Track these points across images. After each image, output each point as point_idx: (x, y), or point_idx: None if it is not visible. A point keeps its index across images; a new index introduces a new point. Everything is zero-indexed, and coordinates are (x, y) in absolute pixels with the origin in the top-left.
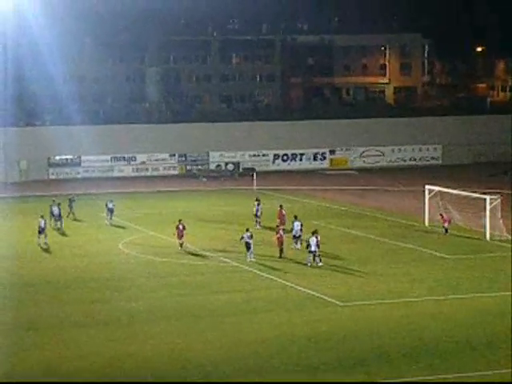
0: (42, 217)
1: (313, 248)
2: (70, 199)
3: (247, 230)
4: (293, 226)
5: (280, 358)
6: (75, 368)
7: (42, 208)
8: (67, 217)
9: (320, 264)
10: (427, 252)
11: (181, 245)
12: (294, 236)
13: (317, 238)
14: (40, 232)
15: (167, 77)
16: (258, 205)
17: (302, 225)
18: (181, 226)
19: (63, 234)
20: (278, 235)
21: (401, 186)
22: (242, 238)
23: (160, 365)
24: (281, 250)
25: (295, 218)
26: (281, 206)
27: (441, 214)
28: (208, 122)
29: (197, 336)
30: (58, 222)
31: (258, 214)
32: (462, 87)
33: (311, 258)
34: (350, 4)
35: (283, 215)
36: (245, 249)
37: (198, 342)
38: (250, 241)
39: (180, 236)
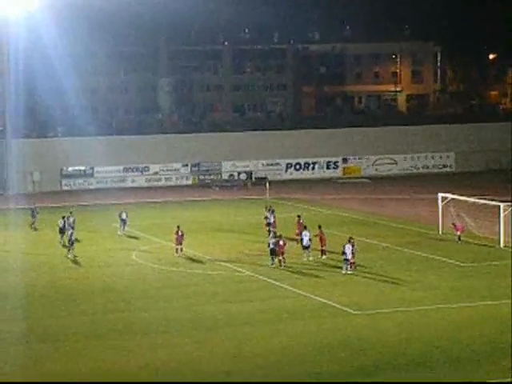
0: (72, 228)
1: (348, 256)
2: (32, 209)
3: (275, 237)
4: (301, 236)
5: (294, 366)
6: (89, 378)
7: (55, 219)
8: (30, 226)
9: (348, 272)
10: (441, 260)
11: (177, 250)
12: (304, 246)
13: (353, 245)
14: (71, 243)
15: (179, 87)
16: (272, 213)
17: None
18: (180, 233)
19: (64, 246)
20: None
21: (413, 194)
22: (269, 244)
23: (174, 375)
24: (280, 260)
25: (304, 227)
26: (299, 217)
27: (453, 224)
28: (220, 132)
29: (211, 346)
30: (60, 235)
31: (272, 222)
32: (474, 94)
33: (347, 265)
34: (361, 12)
35: (301, 226)
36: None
37: (212, 352)
38: (276, 247)
39: (179, 242)
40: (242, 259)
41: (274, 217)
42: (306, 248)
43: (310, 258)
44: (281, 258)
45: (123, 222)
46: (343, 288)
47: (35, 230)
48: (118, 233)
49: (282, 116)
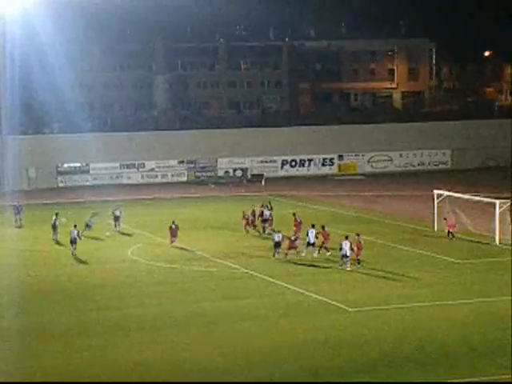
0: (75, 227)
1: (346, 252)
2: (16, 206)
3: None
4: (307, 232)
5: (290, 363)
6: (84, 375)
7: (51, 216)
8: (15, 224)
9: (347, 268)
10: (437, 257)
11: (171, 241)
12: (309, 243)
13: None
14: (72, 242)
15: (175, 84)
16: (270, 210)
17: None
18: (173, 226)
19: (58, 244)
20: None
21: (409, 191)
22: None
23: (169, 372)
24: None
25: (312, 226)
26: (294, 214)
27: (445, 218)
28: (216, 129)
29: (207, 343)
30: (53, 232)
31: (269, 219)
32: (470, 91)
33: (346, 262)
34: (356, 9)
35: (298, 223)
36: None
37: (208, 349)
38: (281, 240)
39: (173, 235)
40: (237, 256)
41: (271, 214)
42: (311, 245)
43: (315, 255)
44: (287, 251)
45: (116, 219)
46: (339, 285)
47: (20, 227)
48: (107, 234)
49: (278, 113)
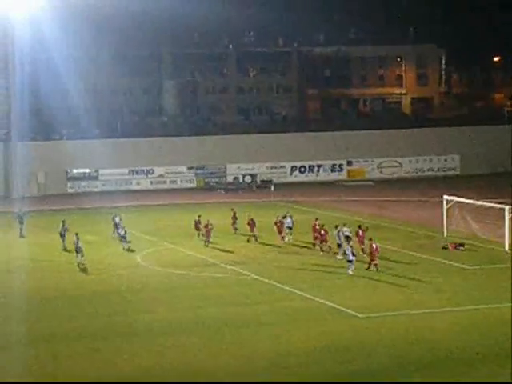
0: (76, 235)
1: (350, 257)
2: (19, 215)
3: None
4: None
5: (299, 369)
6: (94, 380)
7: (59, 222)
8: (19, 234)
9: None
10: (446, 263)
11: (198, 235)
12: (338, 244)
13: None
14: (77, 251)
15: (184, 90)
16: (291, 217)
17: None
18: (198, 219)
19: (65, 250)
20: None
21: (418, 197)
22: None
23: (178, 377)
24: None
25: (335, 227)
26: (316, 219)
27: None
28: (225, 135)
29: (215, 348)
30: (61, 239)
31: (291, 226)
32: (479, 97)
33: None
34: (366, 15)
35: (317, 229)
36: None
37: (217, 355)
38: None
39: (197, 228)
40: (247, 262)
41: (281, 222)
42: (339, 246)
43: (339, 257)
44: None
45: (116, 225)
46: (349, 291)
47: (23, 237)
48: (125, 246)
49: (287, 119)
